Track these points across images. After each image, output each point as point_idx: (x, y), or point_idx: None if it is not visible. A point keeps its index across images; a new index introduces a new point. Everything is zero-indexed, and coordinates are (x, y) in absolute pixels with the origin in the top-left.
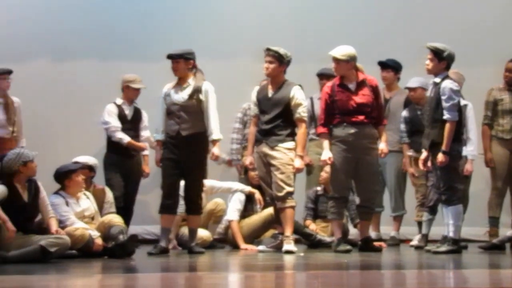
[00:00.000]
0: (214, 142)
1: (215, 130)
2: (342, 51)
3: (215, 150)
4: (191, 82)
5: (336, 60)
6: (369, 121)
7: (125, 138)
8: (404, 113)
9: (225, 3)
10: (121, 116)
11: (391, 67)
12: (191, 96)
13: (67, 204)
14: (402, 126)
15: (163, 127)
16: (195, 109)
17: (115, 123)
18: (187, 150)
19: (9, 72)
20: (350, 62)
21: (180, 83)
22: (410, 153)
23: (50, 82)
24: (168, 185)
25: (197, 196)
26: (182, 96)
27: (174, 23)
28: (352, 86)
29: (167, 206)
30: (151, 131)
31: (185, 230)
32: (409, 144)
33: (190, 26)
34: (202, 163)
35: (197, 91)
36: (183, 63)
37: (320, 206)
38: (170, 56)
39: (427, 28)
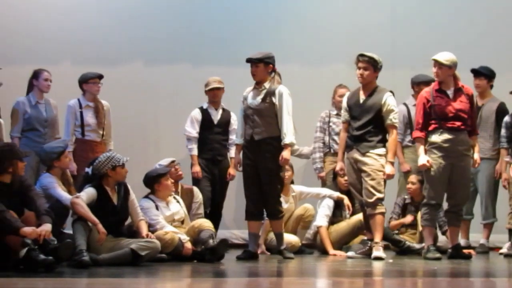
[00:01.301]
0: (286, 146)
1: (287, 134)
2: (445, 56)
3: (284, 153)
4: (267, 86)
5: (439, 64)
6: (464, 128)
7: (191, 152)
8: (507, 118)
9: (316, 9)
10: (207, 121)
11: (484, 74)
12: (264, 100)
13: (157, 208)
14: (503, 131)
15: (242, 130)
16: (268, 113)
17: (191, 132)
18: (260, 155)
19: (100, 76)
20: (451, 68)
21: (257, 87)
22: (507, 159)
23: (141, 86)
24: (249, 190)
25: (274, 200)
26: (256, 99)
27: (266, 28)
28: (450, 92)
29: (252, 212)
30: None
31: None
32: (507, 149)
33: (281, 31)
34: (276, 168)
35: (270, 94)
36: (262, 67)
37: (407, 214)
38: (249, 60)
39: None
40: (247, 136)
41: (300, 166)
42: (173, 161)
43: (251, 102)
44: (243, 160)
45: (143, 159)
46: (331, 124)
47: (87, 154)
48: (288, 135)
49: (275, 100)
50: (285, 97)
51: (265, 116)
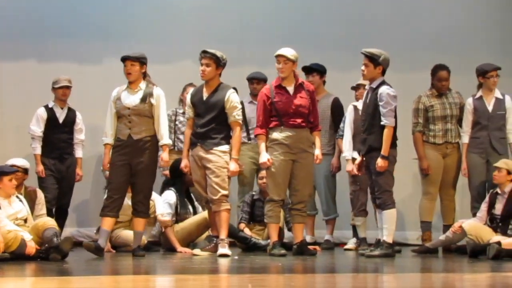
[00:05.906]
0: (165, 147)
1: (165, 135)
2: (290, 51)
3: (164, 155)
4: (142, 87)
5: (285, 59)
6: (305, 125)
7: (35, 151)
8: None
9: (165, 5)
10: (52, 120)
11: (316, 70)
12: (142, 100)
13: None
14: (342, 125)
15: (112, 130)
16: (146, 113)
17: (36, 131)
18: (138, 154)
19: None
20: (295, 63)
21: (132, 87)
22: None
23: None
24: (116, 188)
25: (146, 199)
26: (133, 100)
27: (114, 23)
28: (290, 89)
29: (110, 209)
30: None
31: (120, 233)
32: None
33: (129, 27)
34: (152, 167)
35: (149, 95)
36: (138, 66)
37: (256, 210)
38: (127, 58)
39: (365, 33)
40: (122, 136)
41: None
42: (24, 169)
43: (128, 102)
44: (114, 159)
45: None
46: (177, 122)
47: None
48: (166, 136)
49: (153, 101)
50: (163, 99)
51: (143, 116)
